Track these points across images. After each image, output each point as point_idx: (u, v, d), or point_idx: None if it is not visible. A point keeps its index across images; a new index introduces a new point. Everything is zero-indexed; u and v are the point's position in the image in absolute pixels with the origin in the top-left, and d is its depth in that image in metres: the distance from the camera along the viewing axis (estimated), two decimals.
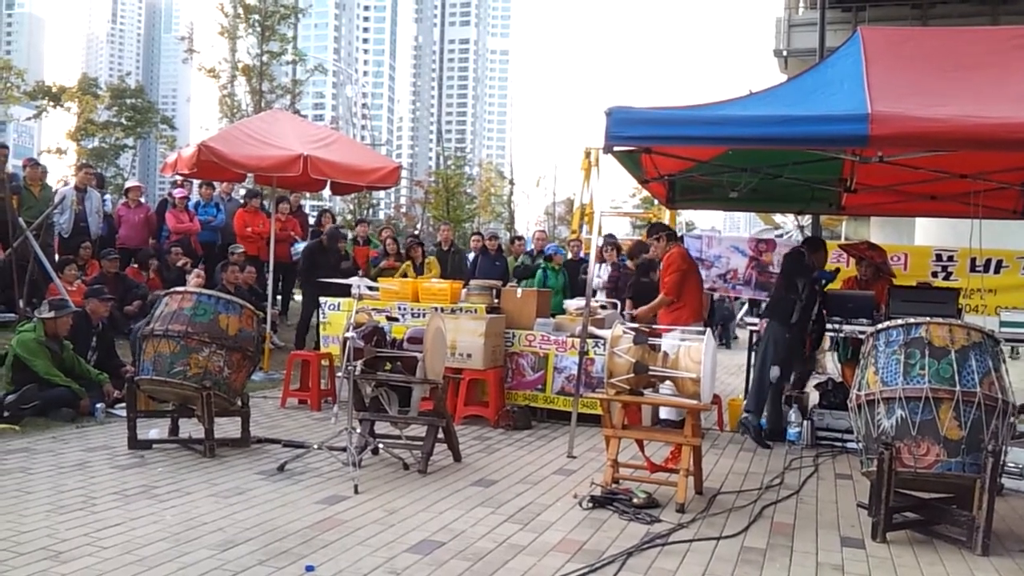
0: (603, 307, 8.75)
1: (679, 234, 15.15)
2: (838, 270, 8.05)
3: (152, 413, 6.60)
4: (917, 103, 5.59)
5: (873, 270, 7.99)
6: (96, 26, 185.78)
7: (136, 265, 11.10)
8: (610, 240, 11.94)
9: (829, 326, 7.24)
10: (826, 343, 8.33)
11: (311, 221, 14.21)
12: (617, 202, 42.77)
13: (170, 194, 12.46)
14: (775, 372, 7.17)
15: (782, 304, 7.32)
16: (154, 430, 6.43)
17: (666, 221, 15.26)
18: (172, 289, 6.52)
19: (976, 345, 4.63)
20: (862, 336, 5.37)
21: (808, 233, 16.20)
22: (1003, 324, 6.91)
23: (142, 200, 12.47)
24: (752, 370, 7.69)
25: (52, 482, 5.14)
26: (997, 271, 10.88)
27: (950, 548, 4.57)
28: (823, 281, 7.40)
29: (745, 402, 7.49)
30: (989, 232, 7.13)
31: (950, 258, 10.24)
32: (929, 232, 12.31)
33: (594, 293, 10.65)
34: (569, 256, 12.73)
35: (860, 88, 5.75)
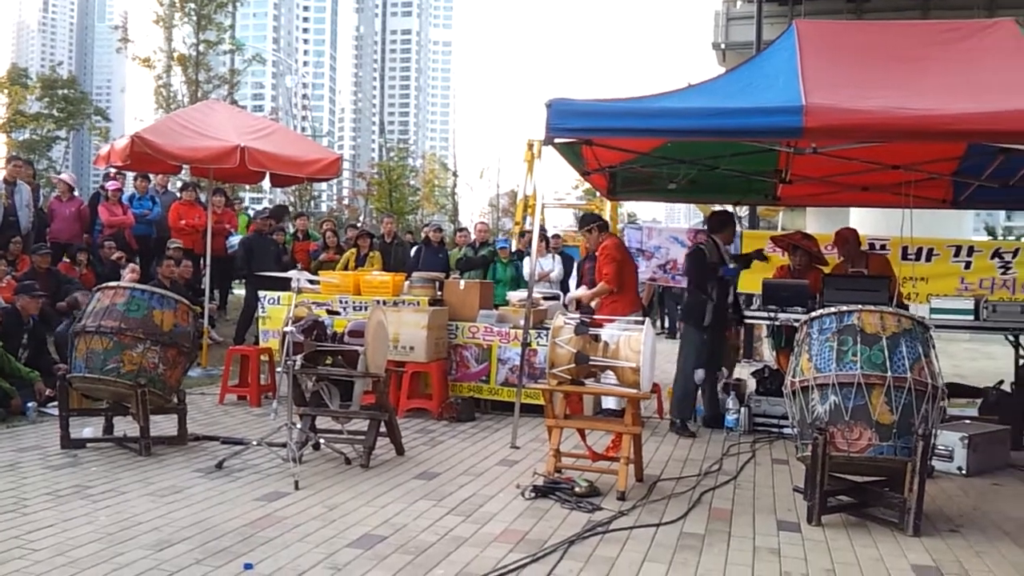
0: (546, 298, 8.77)
1: (620, 226, 15.23)
2: (748, 261, 7.98)
3: (86, 411, 6.43)
4: (850, 95, 5.70)
5: (807, 259, 8.12)
6: (27, 14, 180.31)
7: (68, 260, 10.82)
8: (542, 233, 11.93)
9: (764, 314, 7.31)
10: (763, 331, 8.43)
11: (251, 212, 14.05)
12: (560, 194, 42.88)
13: (102, 187, 12.16)
14: (700, 375, 7.20)
15: (695, 307, 7.32)
16: (88, 429, 6.28)
17: (607, 212, 15.36)
18: (104, 284, 6.35)
19: (907, 332, 4.75)
20: (796, 324, 5.47)
21: (746, 224, 16.44)
22: (933, 311, 7.08)
23: (75, 194, 12.15)
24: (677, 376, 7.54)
25: None
26: (928, 259, 11.19)
27: (883, 530, 4.68)
28: (729, 276, 7.36)
29: (671, 409, 7.45)
30: (920, 222, 7.29)
31: (883, 247, 10.48)
32: (863, 222, 12.59)
33: (577, 285, 10.65)
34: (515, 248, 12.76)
35: (795, 81, 5.84)
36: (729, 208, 9.99)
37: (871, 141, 6.20)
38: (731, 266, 7.43)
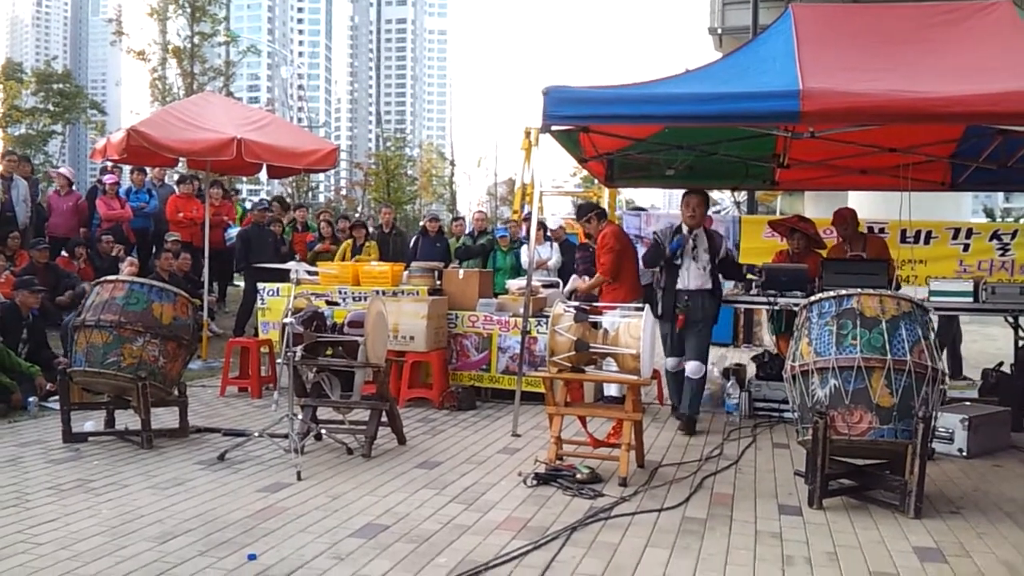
0: (545, 286, 8.77)
1: (619, 212, 15.22)
2: (682, 237, 7.44)
3: (86, 405, 6.45)
4: (847, 79, 5.69)
5: (805, 242, 8.10)
6: (21, 8, 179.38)
7: (67, 254, 10.81)
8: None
9: (764, 299, 7.26)
10: (763, 315, 8.37)
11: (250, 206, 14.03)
12: (558, 181, 42.87)
13: (100, 180, 12.14)
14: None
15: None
16: (89, 423, 6.29)
17: (605, 199, 15.33)
18: (104, 278, 6.35)
19: (906, 315, 4.75)
20: (796, 308, 5.46)
21: (744, 209, 16.40)
22: (932, 293, 7.07)
23: (73, 188, 12.13)
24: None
25: None
26: (927, 242, 11.19)
27: (884, 512, 4.69)
28: (673, 251, 6.86)
29: (668, 399, 7.45)
30: (919, 204, 7.28)
31: (881, 230, 10.47)
32: (861, 205, 12.53)
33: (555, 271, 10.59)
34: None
35: (792, 65, 5.83)
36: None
37: (868, 124, 6.18)
38: (676, 239, 6.89)
